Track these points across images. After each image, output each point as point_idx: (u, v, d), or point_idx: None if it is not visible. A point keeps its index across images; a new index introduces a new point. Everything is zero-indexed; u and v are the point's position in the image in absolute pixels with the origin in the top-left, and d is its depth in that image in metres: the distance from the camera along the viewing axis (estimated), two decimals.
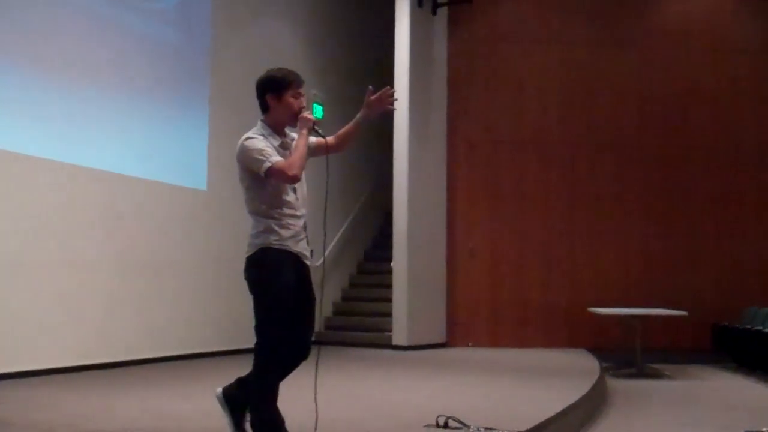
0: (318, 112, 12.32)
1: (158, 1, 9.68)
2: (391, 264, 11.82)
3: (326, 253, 12.37)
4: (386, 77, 12.21)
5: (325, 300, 12.73)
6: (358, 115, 4.66)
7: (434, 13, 12.50)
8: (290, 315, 4.28)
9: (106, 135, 8.70)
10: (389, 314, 11.75)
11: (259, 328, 4.31)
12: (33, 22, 7.86)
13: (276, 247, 4.31)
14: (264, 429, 4.28)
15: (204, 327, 9.75)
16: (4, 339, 7.35)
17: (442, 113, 12.68)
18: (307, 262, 4.47)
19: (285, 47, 11.83)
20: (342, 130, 4.73)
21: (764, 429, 5.90)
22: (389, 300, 11.80)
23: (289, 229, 4.36)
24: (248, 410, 4.48)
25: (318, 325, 12.57)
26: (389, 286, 11.85)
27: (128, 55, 9.12)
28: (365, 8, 14.12)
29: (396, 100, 4.69)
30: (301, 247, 4.43)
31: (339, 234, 13.12)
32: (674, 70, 12.87)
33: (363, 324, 12.42)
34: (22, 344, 7.56)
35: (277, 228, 4.32)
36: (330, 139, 4.65)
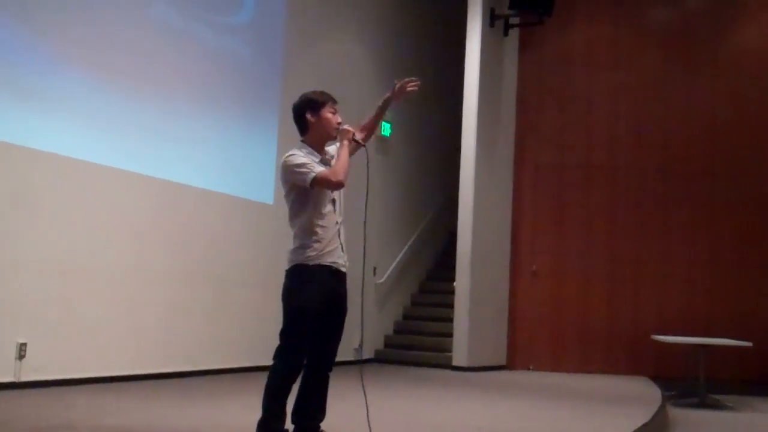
0: (386, 129, 12.38)
1: (232, 16, 9.84)
2: (454, 284, 11.79)
3: (388, 269, 12.40)
4: (455, 96, 12.25)
5: (386, 318, 12.75)
6: (380, 102, 5.07)
7: (506, 34, 12.49)
8: (309, 327, 4.62)
9: (175, 146, 8.84)
10: (450, 334, 11.71)
11: (281, 334, 4.68)
12: (108, 35, 8.03)
13: (311, 263, 4.62)
14: (263, 429, 4.56)
15: (267, 340, 9.79)
16: (71, 345, 7.51)
17: (510, 134, 12.65)
18: (343, 269, 4.77)
19: (355, 65, 11.92)
20: (365, 121, 5.11)
21: None
22: (450, 320, 11.76)
23: (322, 241, 4.63)
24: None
25: (378, 342, 12.71)
26: (451, 306, 11.81)
27: (200, 68, 9.28)
28: (436, 27, 14.17)
29: (418, 83, 5.03)
30: (336, 256, 4.72)
31: (402, 252, 13.15)
32: (746, 99, 12.64)
33: (423, 343, 12.38)
34: (88, 351, 7.70)
35: (313, 243, 4.61)
36: (360, 135, 4.98)
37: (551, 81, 12.87)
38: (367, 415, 4.68)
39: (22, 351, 7.02)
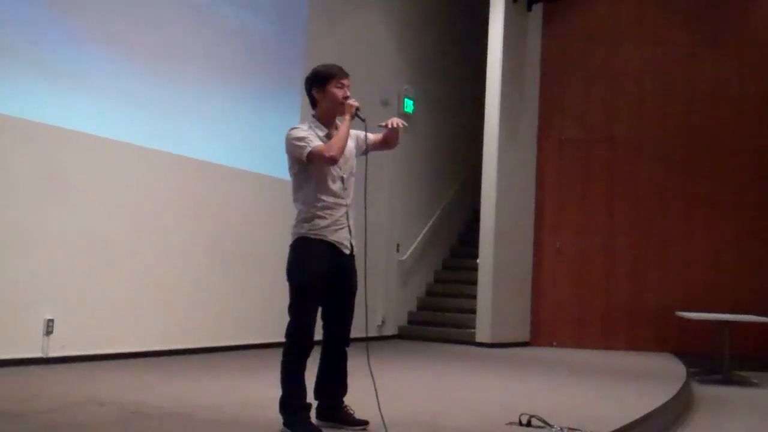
0: (409, 106, 12.35)
1: None
2: (477, 260, 11.79)
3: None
4: (479, 72, 12.20)
5: (409, 295, 12.77)
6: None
7: (529, 9, 12.41)
8: (313, 302, 4.56)
9: (199, 124, 8.87)
10: (473, 311, 11.73)
11: (288, 310, 4.59)
12: (135, 14, 8.06)
13: (311, 237, 4.56)
14: (285, 407, 4.55)
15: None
16: (97, 322, 7.58)
17: (533, 110, 12.59)
18: (346, 251, 4.67)
19: (378, 40, 11.88)
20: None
21: None
22: (474, 296, 11.78)
23: (327, 218, 4.58)
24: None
25: (402, 319, 12.73)
26: (474, 282, 11.82)
27: (223, 45, 9.27)
28: (460, 2, 14.08)
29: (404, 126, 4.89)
30: (340, 236, 4.64)
31: (426, 228, 13.14)
32: None
33: (447, 320, 12.41)
34: (115, 327, 7.77)
35: (315, 218, 4.57)
36: (378, 136, 4.93)
37: (575, 56, 12.77)
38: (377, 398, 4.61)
39: (49, 327, 7.09)
